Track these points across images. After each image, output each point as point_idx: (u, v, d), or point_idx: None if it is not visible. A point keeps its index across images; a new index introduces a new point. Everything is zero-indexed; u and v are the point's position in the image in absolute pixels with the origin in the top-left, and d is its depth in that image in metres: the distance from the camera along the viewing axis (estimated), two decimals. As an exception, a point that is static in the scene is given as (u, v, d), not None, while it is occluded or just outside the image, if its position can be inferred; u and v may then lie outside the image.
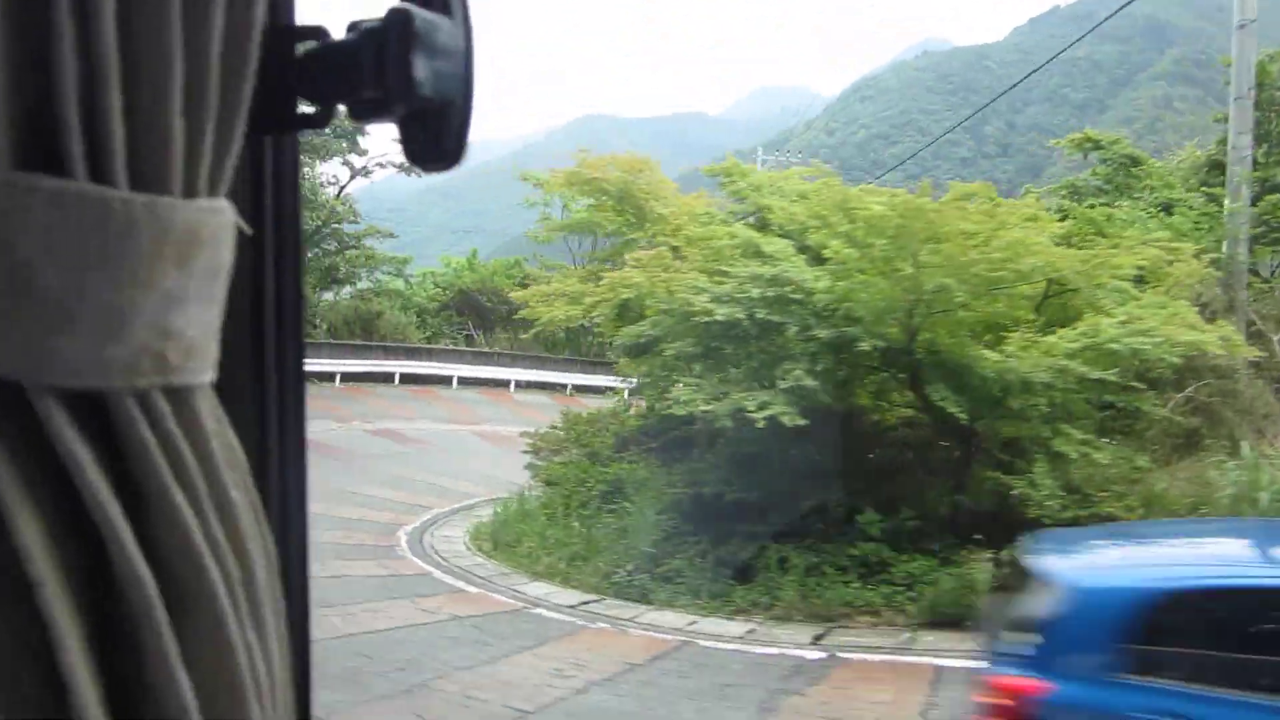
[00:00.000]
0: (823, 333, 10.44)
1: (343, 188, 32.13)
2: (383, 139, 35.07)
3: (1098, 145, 20.34)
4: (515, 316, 17.49)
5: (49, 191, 0.55)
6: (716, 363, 11.35)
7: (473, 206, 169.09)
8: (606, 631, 10.43)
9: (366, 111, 0.74)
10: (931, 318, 10.53)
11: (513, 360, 35.33)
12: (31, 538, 0.55)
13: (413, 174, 32.26)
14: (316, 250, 31.25)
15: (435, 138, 0.75)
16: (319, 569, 12.97)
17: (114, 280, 0.55)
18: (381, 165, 32.08)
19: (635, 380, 21.99)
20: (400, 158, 1.09)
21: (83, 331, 0.55)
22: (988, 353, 10.20)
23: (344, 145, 31.62)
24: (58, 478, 0.57)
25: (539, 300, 14.28)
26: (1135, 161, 19.96)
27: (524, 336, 16.55)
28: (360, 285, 34.81)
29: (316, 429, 25.47)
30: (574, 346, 38.09)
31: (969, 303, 10.29)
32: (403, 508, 18.49)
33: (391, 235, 34.81)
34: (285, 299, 0.83)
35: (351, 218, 31.95)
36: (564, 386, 35.65)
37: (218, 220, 0.61)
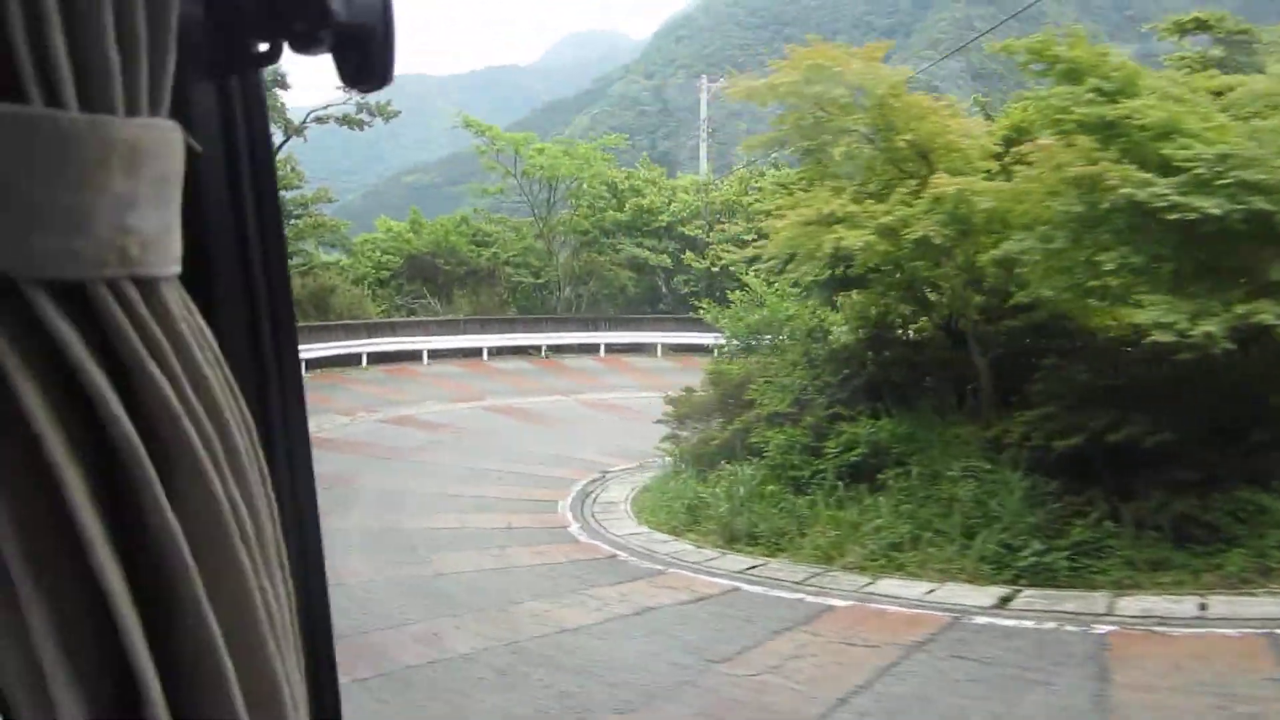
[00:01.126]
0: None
1: (279, 148, 27.12)
2: (299, 93, 30.03)
3: (1206, 25, 18.79)
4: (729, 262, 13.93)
5: (12, 116, 0.62)
6: (1153, 274, 8.72)
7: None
8: (1139, 637, 7.77)
9: (303, 44, 0.82)
10: None
11: (481, 326, 31.49)
12: (38, 411, 0.61)
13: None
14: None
15: (363, 60, 0.84)
16: (607, 604, 9.75)
17: (71, 185, 0.62)
18: (320, 120, 27.23)
19: (730, 334, 19.20)
20: None
21: (53, 229, 0.62)
22: None
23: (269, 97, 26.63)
24: (54, 363, 0.63)
25: (807, 226, 11.09)
26: (1248, 35, 18.54)
27: (780, 276, 13.15)
28: (293, 261, 29.93)
29: (326, 425, 21.47)
30: (527, 305, 34.59)
31: None
32: (532, 505, 15.11)
33: (330, 199, 29.96)
34: (266, 224, 0.91)
35: (296, 182, 27.06)
36: (537, 349, 32.18)
37: (159, 135, 0.67)
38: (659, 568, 11.25)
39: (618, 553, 12.10)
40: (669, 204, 34.57)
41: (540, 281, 32.70)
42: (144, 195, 0.66)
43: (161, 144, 0.67)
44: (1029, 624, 8.26)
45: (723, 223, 34.82)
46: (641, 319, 34.76)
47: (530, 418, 23.96)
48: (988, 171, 11.36)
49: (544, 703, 7.23)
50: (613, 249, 33.19)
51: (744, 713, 6.87)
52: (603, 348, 33.22)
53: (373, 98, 27.77)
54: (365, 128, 28.06)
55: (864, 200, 10.91)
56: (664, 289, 35.68)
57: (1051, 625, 8.16)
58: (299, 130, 27.33)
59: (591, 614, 9.42)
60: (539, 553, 12.17)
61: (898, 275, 12.02)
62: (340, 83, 0.86)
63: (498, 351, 31.54)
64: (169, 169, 0.68)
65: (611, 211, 33.94)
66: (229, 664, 0.64)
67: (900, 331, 15.02)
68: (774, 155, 40.02)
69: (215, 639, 0.63)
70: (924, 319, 14.19)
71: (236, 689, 0.64)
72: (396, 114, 29.21)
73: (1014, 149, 11.78)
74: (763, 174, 36.63)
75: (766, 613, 9.23)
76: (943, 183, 9.86)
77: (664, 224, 34.81)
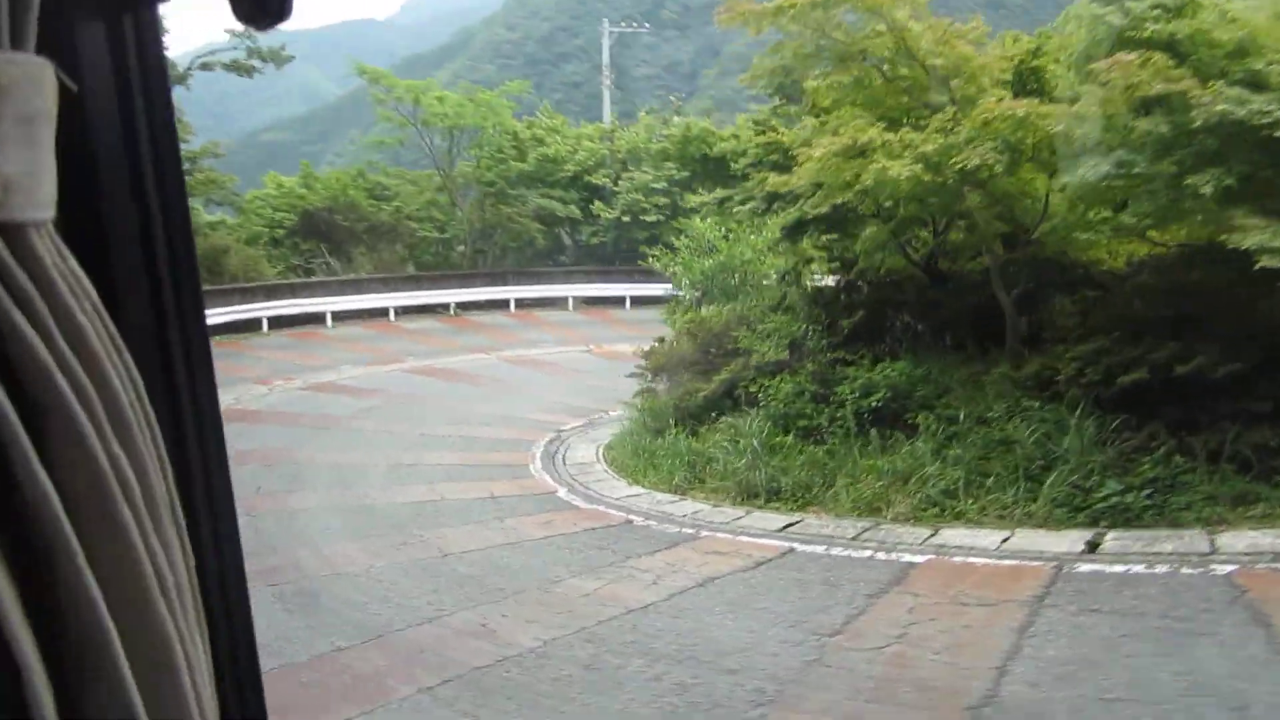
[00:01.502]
0: None
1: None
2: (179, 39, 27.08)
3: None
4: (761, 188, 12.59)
5: None
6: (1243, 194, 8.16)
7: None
8: (1268, 576, 7.29)
9: None
10: None
11: (384, 285, 29.52)
12: None
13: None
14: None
15: None
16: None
17: None
18: (207, 66, 24.49)
19: (689, 281, 18.28)
20: None
21: None
22: None
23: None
24: None
25: (835, 158, 10.07)
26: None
27: (793, 212, 11.74)
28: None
29: (245, 395, 19.75)
30: (429, 261, 32.75)
31: None
32: (502, 471, 13.94)
33: (218, 154, 27.16)
34: (164, 166, 0.85)
35: (183, 135, 24.31)
36: (445, 307, 30.48)
37: (22, 71, 0.62)
38: (689, 530, 10.31)
39: (630, 517, 11.09)
40: (574, 153, 33.16)
41: (445, 236, 30.83)
42: (6, 135, 0.60)
43: (25, 80, 0.62)
44: (1139, 569, 7.71)
45: (630, 170, 33.71)
46: (551, 272, 33.41)
47: (458, 378, 22.52)
48: (1000, 99, 10.70)
49: (664, 700, 6.22)
50: (519, 200, 31.60)
51: (903, 692, 6.04)
52: (512, 303, 31.81)
53: (264, 41, 25.35)
54: (255, 74, 25.50)
55: (900, 129, 10.06)
56: (568, 240, 34.38)
57: (1165, 569, 7.63)
58: (183, 78, 24.59)
59: (650, 589, 8.42)
60: (545, 523, 11.04)
61: (899, 212, 11.26)
62: (236, 20, 0.78)
63: (404, 311, 29.70)
64: (36, 107, 0.62)
65: (515, 162, 32.29)
66: (111, 626, 0.59)
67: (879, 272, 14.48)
68: (680, 100, 38.96)
69: (95, 600, 0.59)
70: (899, 259, 13.64)
71: (120, 651, 0.59)
72: (290, 59, 26.70)
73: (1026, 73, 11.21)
74: (666, 121, 35.62)
75: (844, 574, 8.42)
76: (994, 106, 9.09)
77: (570, 174, 33.42)
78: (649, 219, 32.15)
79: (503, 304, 31.63)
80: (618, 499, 12.07)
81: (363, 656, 7.27)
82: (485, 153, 31.47)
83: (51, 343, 0.60)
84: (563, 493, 12.63)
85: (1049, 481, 9.11)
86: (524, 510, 11.67)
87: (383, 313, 29.18)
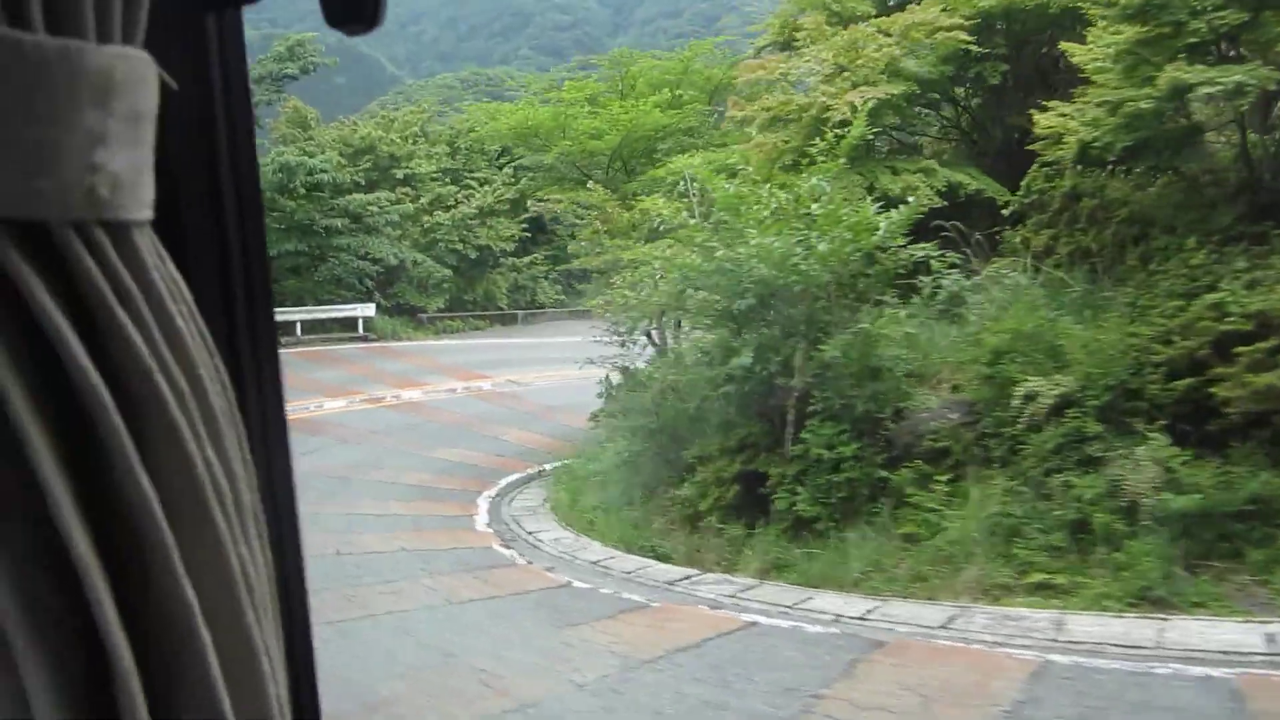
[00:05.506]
0: None
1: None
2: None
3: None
4: None
5: None
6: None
7: None
8: None
9: None
10: None
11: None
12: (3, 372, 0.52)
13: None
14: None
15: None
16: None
17: (34, 117, 0.53)
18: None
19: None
20: None
21: (14, 165, 0.53)
22: None
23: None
24: (13, 311, 0.54)
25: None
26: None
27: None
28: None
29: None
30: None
31: None
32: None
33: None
34: (242, 171, 0.82)
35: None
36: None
37: (132, 66, 0.58)
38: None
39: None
40: None
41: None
42: (115, 132, 0.56)
43: (135, 76, 0.58)
44: None
45: None
46: None
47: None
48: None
49: None
50: None
51: None
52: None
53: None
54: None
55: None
56: None
57: None
58: None
59: None
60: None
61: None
62: (326, 23, 0.73)
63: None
64: (143, 105, 0.59)
65: None
66: (205, 634, 0.56)
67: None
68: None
69: (191, 608, 0.56)
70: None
71: (214, 659, 0.57)
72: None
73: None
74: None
75: None
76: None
77: None
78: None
79: None
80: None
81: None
82: None
83: (153, 344, 0.57)
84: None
85: None
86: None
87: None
